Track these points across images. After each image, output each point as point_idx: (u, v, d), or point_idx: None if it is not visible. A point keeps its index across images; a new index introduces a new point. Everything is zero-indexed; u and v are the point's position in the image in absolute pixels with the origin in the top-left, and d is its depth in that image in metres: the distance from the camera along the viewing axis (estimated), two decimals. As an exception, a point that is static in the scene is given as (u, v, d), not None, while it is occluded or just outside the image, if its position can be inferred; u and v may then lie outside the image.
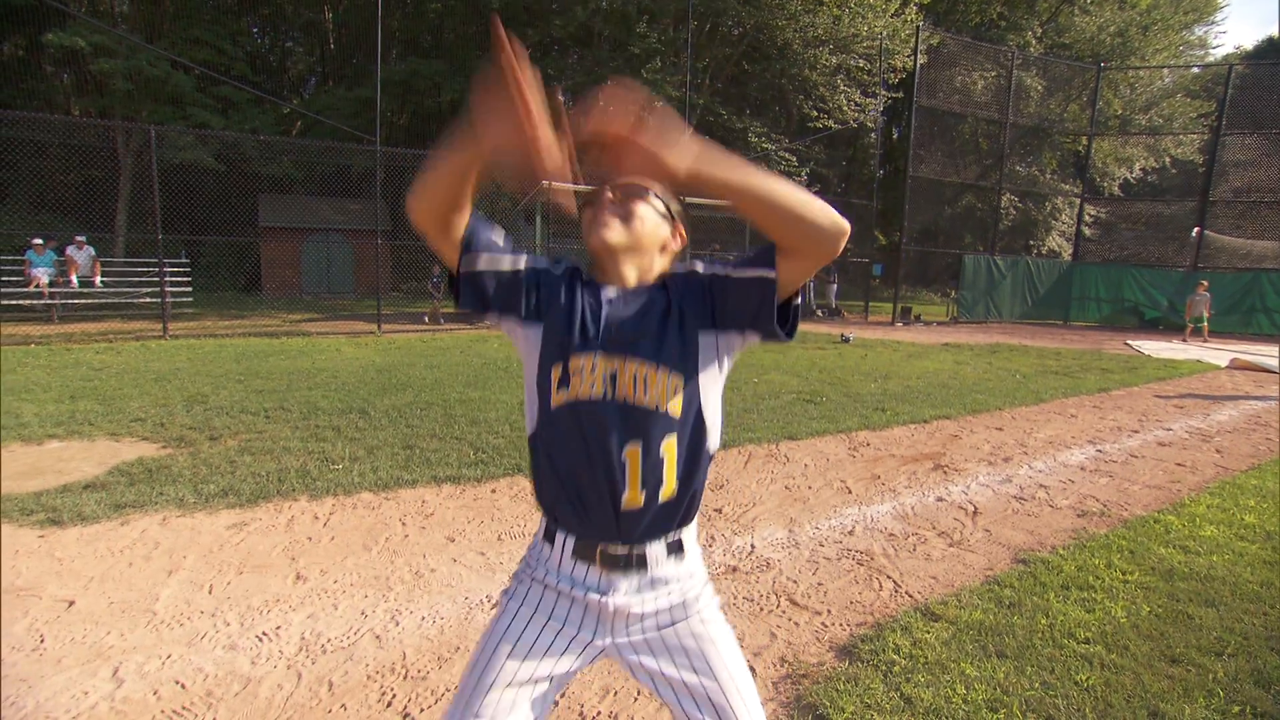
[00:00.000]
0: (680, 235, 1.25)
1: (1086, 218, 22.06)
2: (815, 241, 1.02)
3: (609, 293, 1.16)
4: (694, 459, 1.14)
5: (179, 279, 13.47)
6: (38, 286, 11.90)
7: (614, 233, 1.15)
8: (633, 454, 1.10)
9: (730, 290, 1.11)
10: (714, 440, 1.18)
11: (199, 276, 15.78)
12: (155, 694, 2.08)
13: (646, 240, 1.18)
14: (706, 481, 1.20)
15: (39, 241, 12.21)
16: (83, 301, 12.47)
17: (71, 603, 2.59)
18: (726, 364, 1.18)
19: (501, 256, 1.14)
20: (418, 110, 25.20)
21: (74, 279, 12.40)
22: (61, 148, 16.68)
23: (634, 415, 1.09)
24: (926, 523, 3.72)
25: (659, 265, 1.22)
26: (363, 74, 23.05)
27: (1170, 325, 17.89)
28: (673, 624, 1.18)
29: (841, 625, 2.61)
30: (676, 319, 1.13)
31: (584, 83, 22.81)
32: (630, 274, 1.18)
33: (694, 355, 1.13)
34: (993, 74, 20.53)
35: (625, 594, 1.14)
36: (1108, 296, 19.55)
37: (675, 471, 1.12)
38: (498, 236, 1.16)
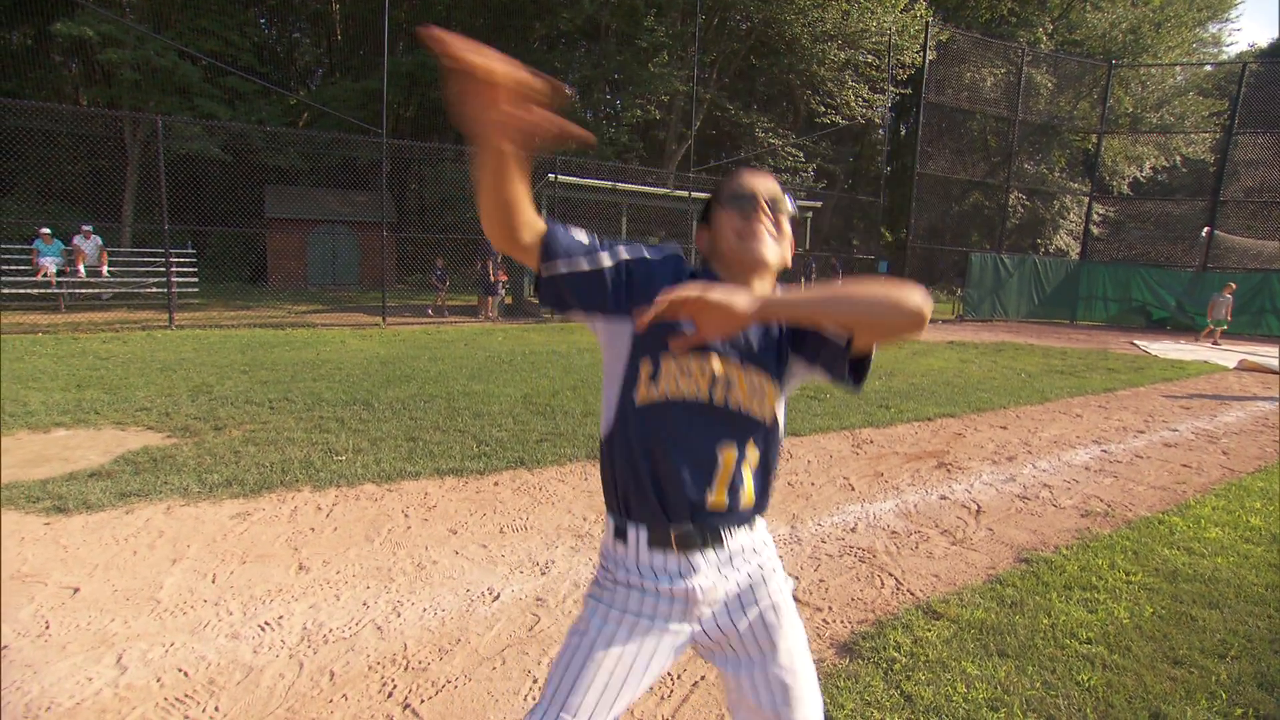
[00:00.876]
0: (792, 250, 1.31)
1: (1095, 216, 21.92)
2: (894, 336, 1.07)
3: None
4: (771, 464, 1.21)
5: (185, 269, 13.55)
6: (45, 276, 11.97)
7: (773, 252, 1.19)
8: (727, 456, 1.14)
9: (811, 337, 1.17)
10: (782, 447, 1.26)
11: (205, 267, 15.82)
12: (158, 681, 2.10)
13: (787, 261, 1.24)
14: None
15: (46, 231, 12.27)
16: (89, 291, 12.53)
17: (76, 590, 2.61)
18: (795, 383, 1.25)
19: (579, 259, 1.13)
20: (424, 102, 25.18)
21: (81, 268, 12.46)
22: (69, 137, 16.77)
23: (739, 420, 1.14)
24: (929, 521, 3.71)
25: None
26: (370, 66, 23.03)
27: (1178, 325, 17.77)
28: (752, 603, 1.21)
29: (843, 622, 2.61)
30: (777, 334, 1.19)
31: (592, 76, 22.75)
32: (759, 286, 1.20)
33: (785, 370, 1.19)
34: (1002, 70, 20.36)
35: (708, 574, 1.16)
36: (1115, 296, 19.41)
37: (756, 476, 1.18)
38: (580, 236, 1.14)
